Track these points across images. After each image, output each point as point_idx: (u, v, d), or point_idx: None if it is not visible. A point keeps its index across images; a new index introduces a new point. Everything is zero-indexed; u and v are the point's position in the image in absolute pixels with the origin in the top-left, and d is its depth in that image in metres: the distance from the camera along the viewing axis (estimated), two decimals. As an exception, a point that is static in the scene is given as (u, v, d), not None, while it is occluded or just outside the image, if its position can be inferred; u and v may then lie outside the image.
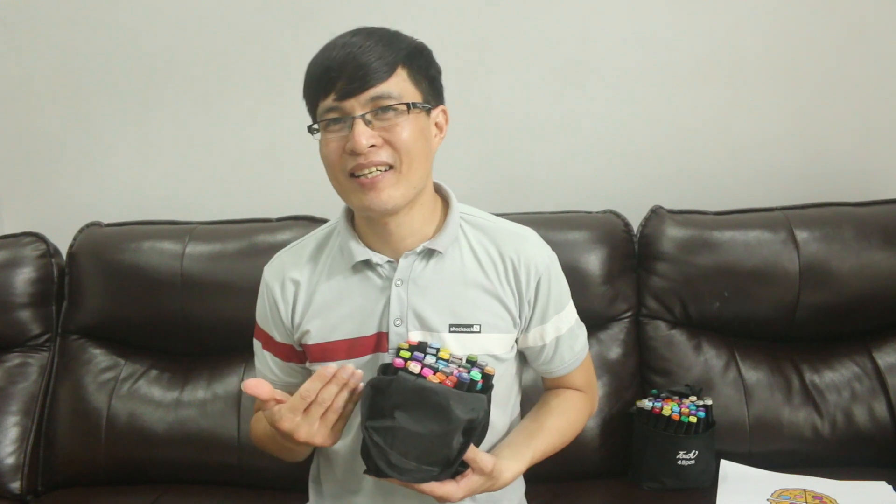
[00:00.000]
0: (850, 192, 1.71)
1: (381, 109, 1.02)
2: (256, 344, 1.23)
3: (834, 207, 1.66)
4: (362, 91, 1.01)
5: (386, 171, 1.03)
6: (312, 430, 0.99)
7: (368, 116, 1.02)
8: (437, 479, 1.00)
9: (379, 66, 1.01)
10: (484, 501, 1.17)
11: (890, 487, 1.39)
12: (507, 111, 1.83)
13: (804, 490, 1.39)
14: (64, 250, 1.71)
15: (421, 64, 1.07)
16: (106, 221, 1.74)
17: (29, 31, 1.85)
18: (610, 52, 1.80)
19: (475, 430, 0.98)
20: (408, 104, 1.03)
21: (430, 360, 1.01)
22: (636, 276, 1.64)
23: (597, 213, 1.69)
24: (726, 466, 1.48)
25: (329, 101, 1.03)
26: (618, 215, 1.67)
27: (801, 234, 1.59)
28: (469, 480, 1.03)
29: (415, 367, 0.99)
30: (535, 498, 1.33)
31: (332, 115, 1.03)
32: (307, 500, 1.28)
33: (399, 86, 1.03)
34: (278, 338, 1.19)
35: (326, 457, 1.23)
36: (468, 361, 1.04)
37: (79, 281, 1.67)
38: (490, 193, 1.83)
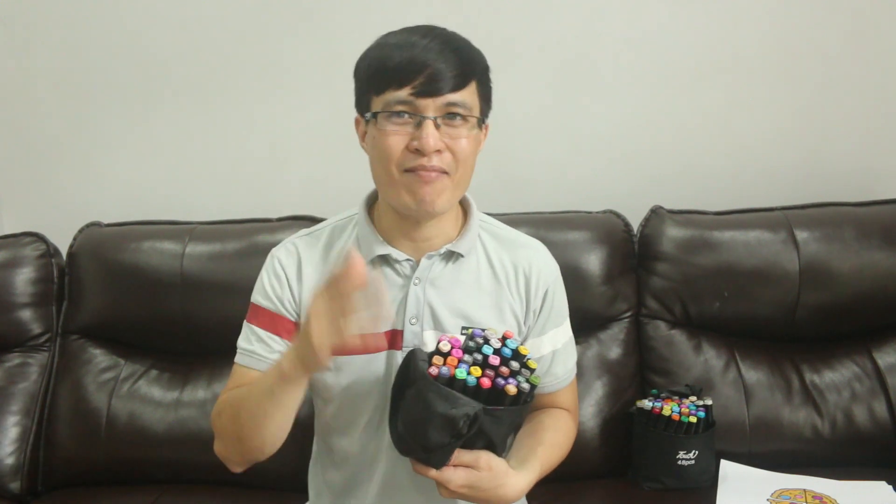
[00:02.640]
0: (850, 192, 1.71)
1: (449, 116, 1.04)
2: (250, 327, 1.15)
3: (834, 207, 1.66)
4: (440, 94, 1.02)
5: (441, 174, 1.05)
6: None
7: (439, 120, 1.03)
8: (425, 462, 1.00)
9: (459, 73, 1.03)
10: None
11: (890, 487, 1.39)
12: (507, 111, 1.81)
13: (804, 490, 1.39)
14: (64, 250, 1.71)
15: (486, 81, 1.10)
16: (106, 221, 1.74)
17: (29, 31, 1.85)
18: (610, 52, 1.80)
19: (456, 427, 0.96)
20: (477, 118, 1.07)
21: (469, 350, 0.99)
22: (636, 276, 1.64)
23: (597, 213, 1.69)
24: (726, 466, 1.48)
25: (402, 94, 1.03)
26: (618, 215, 1.67)
27: (801, 234, 1.59)
28: (463, 472, 1.01)
29: (445, 346, 0.99)
30: (536, 498, 1.32)
31: (402, 108, 1.03)
32: (307, 499, 1.28)
33: (471, 97, 1.06)
34: (287, 315, 1.14)
35: (332, 456, 1.21)
36: (521, 366, 1.01)
37: (79, 281, 1.67)
38: (490, 193, 1.81)
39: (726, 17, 1.77)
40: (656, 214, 1.66)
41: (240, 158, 1.88)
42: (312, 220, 1.66)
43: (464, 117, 1.05)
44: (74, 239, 1.70)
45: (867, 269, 1.57)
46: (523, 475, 1.07)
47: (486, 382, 0.97)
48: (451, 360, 0.98)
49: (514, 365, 1.00)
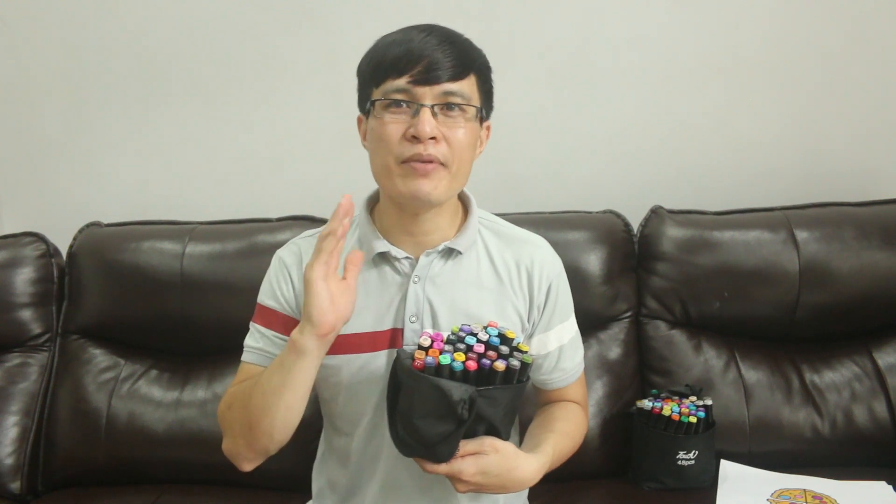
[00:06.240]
0: (850, 192, 1.71)
1: (448, 106, 1.04)
2: (256, 328, 1.16)
3: (834, 207, 1.66)
4: (438, 82, 1.03)
5: (438, 165, 1.05)
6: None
7: (436, 109, 1.04)
8: (432, 458, 1.00)
9: (458, 64, 1.04)
10: (488, 501, 1.17)
11: (890, 487, 1.39)
12: (507, 111, 1.82)
13: (804, 490, 1.39)
14: (64, 250, 1.71)
15: (487, 79, 1.11)
16: (106, 221, 1.74)
17: (29, 30, 1.85)
18: (610, 52, 1.80)
19: (456, 413, 0.96)
20: (476, 107, 1.06)
21: (451, 342, 1.00)
22: (636, 276, 1.64)
23: (597, 213, 1.69)
24: (726, 466, 1.48)
25: (401, 83, 1.03)
26: (618, 215, 1.67)
27: (801, 234, 1.59)
28: (472, 459, 1.01)
29: (425, 340, 0.99)
30: (536, 498, 1.33)
31: (399, 97, 1.04)
32: (307, 499, 1.28)
33: (469, 88, 1.06)
34: (290, 313, 1.15)
35: (335, 456, 1.22)
36: (509, 347, 1.02)
37: (79, 281, 1.67)
38: (490, 193, 1.81)
39: (726, 17, 1.77)
40: (656, 214, 1.66)
41: (240, 158, 1.88)
42: (312, 220, 1.66)
43: (462, 108, 1.05)
44: (74, 239, 1.70)
45: (867, 269, 1.57)
46: (535, 457, 1.07)
47: (471, 365, 0.97)
48: (433, 351, 0.98)
49: (504, 349, 1.01)
